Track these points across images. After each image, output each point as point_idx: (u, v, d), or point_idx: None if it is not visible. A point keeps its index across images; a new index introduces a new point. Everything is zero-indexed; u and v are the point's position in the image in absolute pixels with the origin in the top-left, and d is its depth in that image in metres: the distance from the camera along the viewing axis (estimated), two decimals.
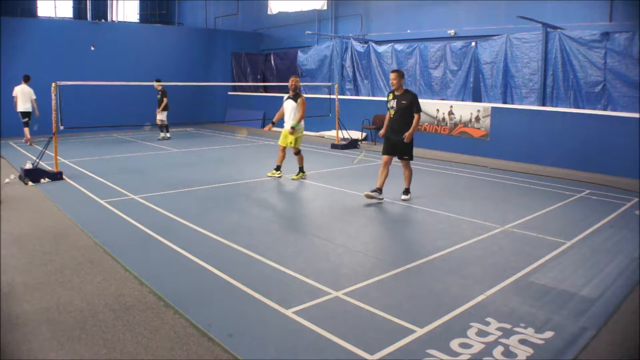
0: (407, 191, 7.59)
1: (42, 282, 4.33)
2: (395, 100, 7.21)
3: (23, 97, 12.87)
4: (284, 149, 9.01)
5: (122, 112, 15.66)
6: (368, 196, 7.20)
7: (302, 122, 8.84)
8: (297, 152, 8.89)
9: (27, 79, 13.07)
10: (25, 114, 12.96)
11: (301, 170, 9.03)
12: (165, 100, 14.48)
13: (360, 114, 14.86)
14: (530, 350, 3.30)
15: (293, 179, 8.85)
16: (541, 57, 11.26)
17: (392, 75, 7.20)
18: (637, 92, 9.94)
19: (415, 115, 7.17)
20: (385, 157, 7.37)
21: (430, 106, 13.33)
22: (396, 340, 3.38)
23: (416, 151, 7.91)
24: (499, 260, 4.99)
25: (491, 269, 4.76)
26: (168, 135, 14.88)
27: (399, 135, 7.23)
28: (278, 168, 9.12)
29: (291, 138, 8.72)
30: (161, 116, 14.65)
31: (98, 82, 12.32)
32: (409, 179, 7.58)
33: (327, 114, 14.34)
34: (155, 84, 12.96)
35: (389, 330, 3.53)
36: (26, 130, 13.11)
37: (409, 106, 7.13)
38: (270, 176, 9.07)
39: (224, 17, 21.73)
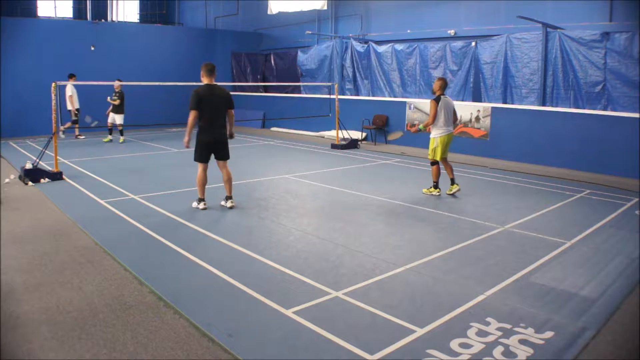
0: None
1: (42, 282, 4.33)
2: None
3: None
4: (437, 161, 7.80)
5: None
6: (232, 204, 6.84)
7: (436, 130, 7.63)
8: (431, 163, 7.87)
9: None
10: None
11: (434, 185, 7.85)
12: (120, 102, 13.55)
13: (360, 114, 14.86)
14: (530, 350, 3.30)
15: (424, 192, 7.93)
16: (541, 57, 11.26)
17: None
18: (637, 92, 9.95)
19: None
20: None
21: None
22: (396, 340, 3.38)
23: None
24: (499, 260, 4.99)
25: (491, 269, 4.76)
26: (122, 138, 13.94)
27: None
28: (435, 185, 7.88)
29: (429, 147, 7.76)
30: (120, 119, 13.66)
31: (98, 82, 12.31)
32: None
33: (327, 114, 14.36)
34: (116, 83, 11.96)
35: (389, 330, 3.53)
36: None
37: None
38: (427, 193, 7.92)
39: (224, 17, 21.74)
